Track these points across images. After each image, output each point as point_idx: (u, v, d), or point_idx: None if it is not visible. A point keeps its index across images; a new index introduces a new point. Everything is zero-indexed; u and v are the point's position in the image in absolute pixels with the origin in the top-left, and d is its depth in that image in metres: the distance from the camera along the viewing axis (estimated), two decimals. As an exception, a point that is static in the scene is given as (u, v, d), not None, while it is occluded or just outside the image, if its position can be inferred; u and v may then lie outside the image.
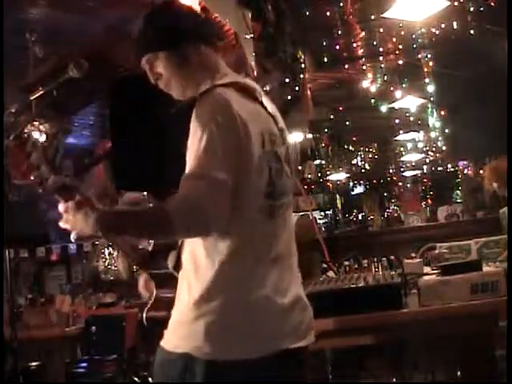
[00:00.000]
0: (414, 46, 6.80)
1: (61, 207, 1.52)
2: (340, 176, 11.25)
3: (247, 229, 1.54)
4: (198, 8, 4.63)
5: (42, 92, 1.96)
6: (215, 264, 1.52)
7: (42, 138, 5.46)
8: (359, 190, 12.46)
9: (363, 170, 11.92)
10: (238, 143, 1.49)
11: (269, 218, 1.57)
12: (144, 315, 1.81)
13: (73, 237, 1.52)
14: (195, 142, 1.48)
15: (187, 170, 1.47)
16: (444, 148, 9.57)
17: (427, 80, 7.62)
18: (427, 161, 11.07)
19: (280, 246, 1.61)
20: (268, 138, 1.59)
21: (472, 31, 5.93)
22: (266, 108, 1.65)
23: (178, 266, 1.66)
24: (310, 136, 8.61)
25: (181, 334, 1.54)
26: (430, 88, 7.75)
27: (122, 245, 1.78)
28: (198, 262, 1.55)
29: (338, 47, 6.67)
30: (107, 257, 6.32)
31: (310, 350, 1.68)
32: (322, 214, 11.02)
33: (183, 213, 1.42)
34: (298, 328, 1.60)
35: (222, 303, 1.50)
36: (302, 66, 6.26)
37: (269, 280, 1.55)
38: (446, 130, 8.79)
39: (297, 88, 6.25)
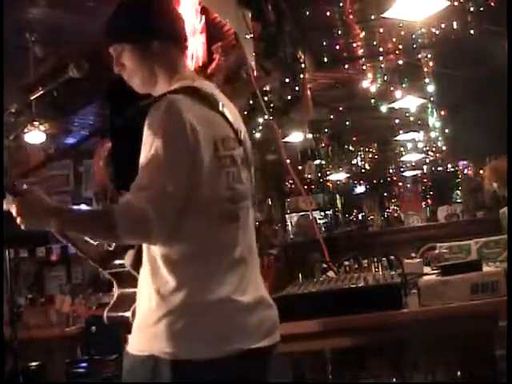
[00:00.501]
0: (414, 46, 6.80)
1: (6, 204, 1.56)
2: (340, 176, 11.27)
3: (206, 233, 1.55)
4: (197, 8, 4.64)
5: (42, 92, 1.96)
6: (173, 266, 1.53)
7: (42, 138, 5.47)
8: (359, 190, 12.48)
9: (363, 170, 11.93)
10: (187, 151, 1.50)
11: (229, 222, 1.58)
12: (105, 314, 1.82)
13: (22, 227, 1.56)
14: (145, 150, 1.50)
15: (136, 178, 1.50)
16: (444, 148, 9.57)
17: (427, 80, 7.62)
18: (427, 161, 11.08)
19: (241, 249, 1.62)
20: (221, 143, 1.59)
21: (472, 31, 5.93)
22: (220, 111, 1.65)
23: (135, 264, 1.68)
24: (310, 136, 8.61)
25: (145, 336, 1.55)
26: (430, 88, 7.75)
27: (77, 242, 1.80)
28: (155, 263, 1.56)
29: (338, 47, 6.67)
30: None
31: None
32: (322, 214, 11.04)
33: (127, 223, 1.45)
34: (261, 327, 1.60)
35: (183, 303, 1.51)
36: (302, 65, 6.25)
37: (229, 281, 1.56)
38: (446, 130, 8.79)
39: (297, 88, 6.25)
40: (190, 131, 1.50)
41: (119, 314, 1.77)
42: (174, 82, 1.66)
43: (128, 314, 1.72)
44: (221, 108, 1.65)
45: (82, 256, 1.83)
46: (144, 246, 1.61)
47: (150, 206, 1.43)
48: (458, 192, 10.16)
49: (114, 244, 1.77)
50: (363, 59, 7.25)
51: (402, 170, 11.81)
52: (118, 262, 1.79)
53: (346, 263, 2.62)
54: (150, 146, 1.50)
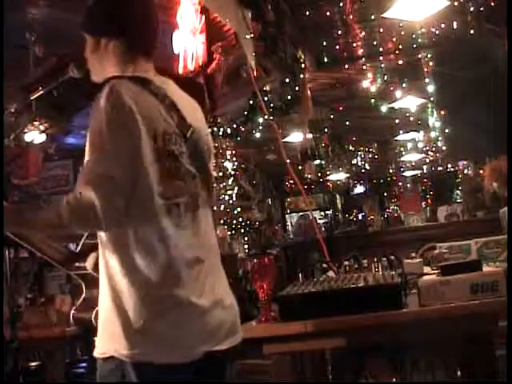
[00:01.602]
0: (414, 46, 6.80)
1: None
2: (340, 176, 11.27)
3: (145, 229, 1.54)
4: (197, 8, 4.63)
5: (41, 92, 1.97)
6: (125, 266, 1.53)
7: (42, 138, 5.46)
8: (359, 189, 12.48)
9: (363, 170, 11.93)
10: (128, 137, 1.50)
11: (168, 219, 1.56)
12: (71, 314, 1.83)
13: None
14: (90, 136, 1.51)
15: (83, 166, 1.51)
16: (444, 148, 9.57)
17: (427, 80, 7.63)
18: (427, 161, 11.07)
19: (194, 248, 1.60)
20: (161, 136, 1.58)
21: (472, 31, 5.93)
22: (166, 106, 1.63)
23: (97, 267, 1.67)
24: (310, 136, 8.62)
25: (105, 337, 1.55)
26: (430, 88, 7.76)
27: (40, 246, 1.80)
28: (108, 265, 1.56)
29: (338, 47, 6.68)
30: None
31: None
32: (322, 214, 11.05)
33: (75, 213, 1.46)
34: (220, 330, 1.59)
35: (138, 303, 1.50)
36: (302, 66, 6.26)
37: (185, 281, 1.55)
38: (446, 130, 8.80)
39: (297, 88, 6.26)
40: (131, 118, 1.50)
41: (84, 315, 1.78)
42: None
43: (92, 315, 1.72)
44: (167, 103, 1.63)
45: (46, 259, 1.83)
46: (99, 247, 1.60)
47: (94, 191, 1.44)
48: (458, 192, 10.14)
49: (79, 246, 1.78)
50: (363, 59, 7.25)
51: (401, 170, 11.81)
52: (82, 264, 1.79)
53: (346, 263, 2.62)
54: (93, 131, 1.50)
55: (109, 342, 1.53)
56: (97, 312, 1.66)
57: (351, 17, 5.92)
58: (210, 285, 1.62)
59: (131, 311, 1.50)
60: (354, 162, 11.79)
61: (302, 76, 6.31)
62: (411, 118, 9.20)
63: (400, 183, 11.68)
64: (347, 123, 9.80)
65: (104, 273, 1.58)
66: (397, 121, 9.51)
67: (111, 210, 1.46)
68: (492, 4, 5.48)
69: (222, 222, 8.04)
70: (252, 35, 4.36)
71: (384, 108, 8.31)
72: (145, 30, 1.74)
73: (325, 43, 6.57)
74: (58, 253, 1.82)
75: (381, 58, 7.08)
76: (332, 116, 9.24)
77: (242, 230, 8.24)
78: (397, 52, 6.91)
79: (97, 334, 1.59)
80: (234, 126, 7.15)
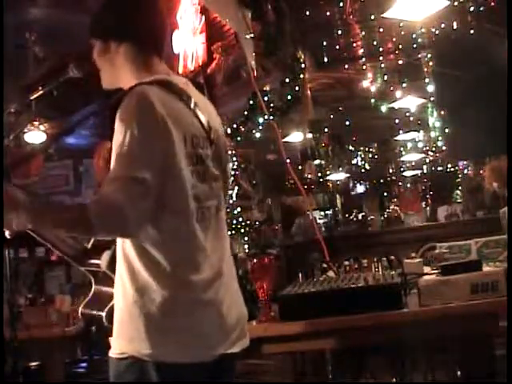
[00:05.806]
0: (414, 45, 6.80)
1: None
2: (340, 176, 11.26)
3: (176, 231, 1.53)
4: (197, 8, 4.63)
5: (41, 92, 1.97)
6: (151, 268, 1.52)
7: (42, 138, 5.47)
8: (359, 189, 12.47)
9: (363, 170, 11.92)
10: (158, 142, 1.49)
11: (196, 221, 1.56)
12: (80, 310, 1.82)
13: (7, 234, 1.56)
14: (117, 141, 1.49)
15: (110, 170, 1.48)
16: (444, 148, 9.57)
17: (427, 80, 7.63)
18: (427, 161, 11.06)
19: (215, 248, 1.61)
20: (190, 140, 1.58)
21: (472, 31, 5.94)
22: (192, 109, 1.63)
23: (111, 265, 1.67)
24: (309, 136, 8.62)
25: (124, 337, 1.54)
26: (430, 88, 7.76)
27: (54, 241, 1.79)
28: (130, 262, 1.55)
29: (338, 47, 6.68)
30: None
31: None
32: (322, 213, 11.04)
33: (102, 215, 1.43)
34: (233, 332, 1.60)
35: (158, 306, 1.50)
36: (302, 66, 6.26)
37: (207, 282, 1.55)
38: (446, 130, 8.80)
39: (297, 88, 6.26)
40: (162, 123, 1.49)
41: (94, 312, 1.77)
42: (147, 78, 1.64)
43: (103, 313, 1.72)
44: (192, 106, 1.63)
45: (59, 254, 1.82)
46: (118, 243, 1.59)
47: (122, 195, 1.42)
48: (458, 192, 10.13)
49: (91, 242, 1.78)
50: (363, 59, 7.26)
51: (401, 169, 11.80)
52: (94, 261, 1.78)
53: (346, 263, 2.62)
54: (121, 136, 1.48)
55: (129, 342, 1.52)
56: (108, 311, 1.65)
57: (351, 17, 5.93)
58: (228, 284, 1.63)
59: (153, 311, 1.50)
60: (354, 161, 11.78)
61: (301, 76, 6.31)
62: (411, 118, 9.21)
63: (400, 183, 11.67)
64: (347, 123, 9.80)
65: (125, 272, 1.56)
66: (397, 121, 9.51)
67: (136, 212, 1.43)
68: (492, 4, 5.48)
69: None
70: (252, 35, 4.36)
71: (384, 108, 8.32)
72: (154, 30, 1.73)
73: (325, 43, 6.58)
74: (71, 248, 1.81)
75: (381, 58, 7.09)
76: (332, 116, 9.24)
77: (242, 230, 8.23)
78: (397, 52, 6.91)
79: (104, 331, 1.59)
80: (234, 126, 7.15)
